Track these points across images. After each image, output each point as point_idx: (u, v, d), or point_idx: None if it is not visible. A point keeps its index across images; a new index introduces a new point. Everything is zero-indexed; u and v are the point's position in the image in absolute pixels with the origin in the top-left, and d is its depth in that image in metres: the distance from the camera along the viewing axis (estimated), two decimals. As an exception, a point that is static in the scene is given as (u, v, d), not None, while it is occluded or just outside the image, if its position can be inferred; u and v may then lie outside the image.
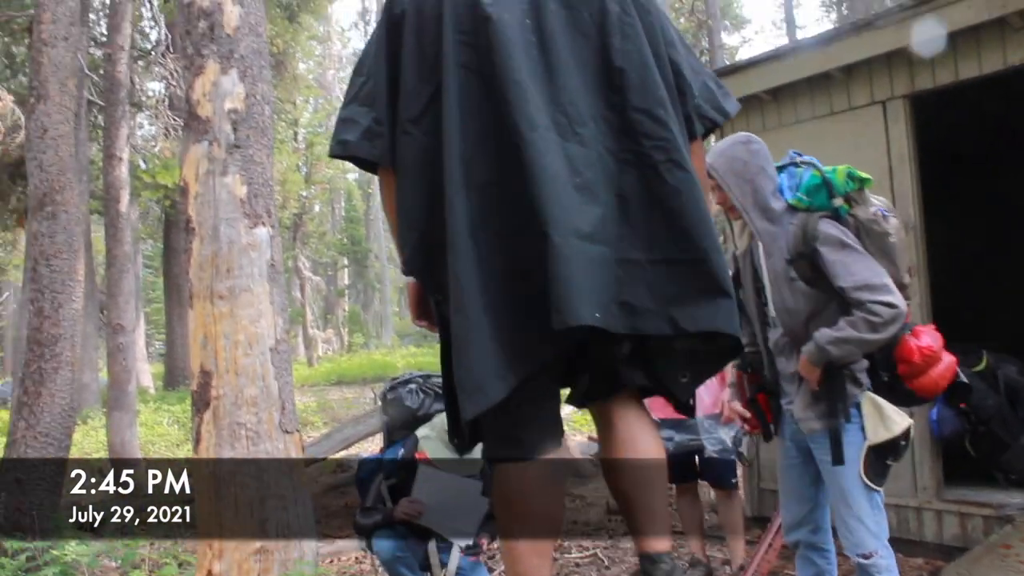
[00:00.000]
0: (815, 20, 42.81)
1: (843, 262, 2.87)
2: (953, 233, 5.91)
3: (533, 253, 1.80)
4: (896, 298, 2.82)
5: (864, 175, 3.07)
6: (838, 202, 3.02)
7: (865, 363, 2.97)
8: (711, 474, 4.65)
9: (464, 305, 1.82)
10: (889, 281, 2.86)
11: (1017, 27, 4.33)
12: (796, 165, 3.14)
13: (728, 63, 16.56)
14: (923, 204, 4.75)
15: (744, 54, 29.63)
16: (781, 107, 5.41)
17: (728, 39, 29.28)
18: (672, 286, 1.92)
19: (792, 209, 3.05)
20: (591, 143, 1.93)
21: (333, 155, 2.10)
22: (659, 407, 4.48)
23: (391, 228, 2.15)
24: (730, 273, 2.08)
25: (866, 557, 2.93)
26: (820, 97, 5.18)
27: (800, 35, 27.61)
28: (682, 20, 22.81)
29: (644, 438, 2.14)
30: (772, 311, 3.09)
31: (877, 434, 2.92)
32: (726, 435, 4.50)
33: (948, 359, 2.97)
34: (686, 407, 2.25)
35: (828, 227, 2.93)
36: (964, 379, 3.08)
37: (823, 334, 2.86)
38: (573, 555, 5.50)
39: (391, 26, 2.03)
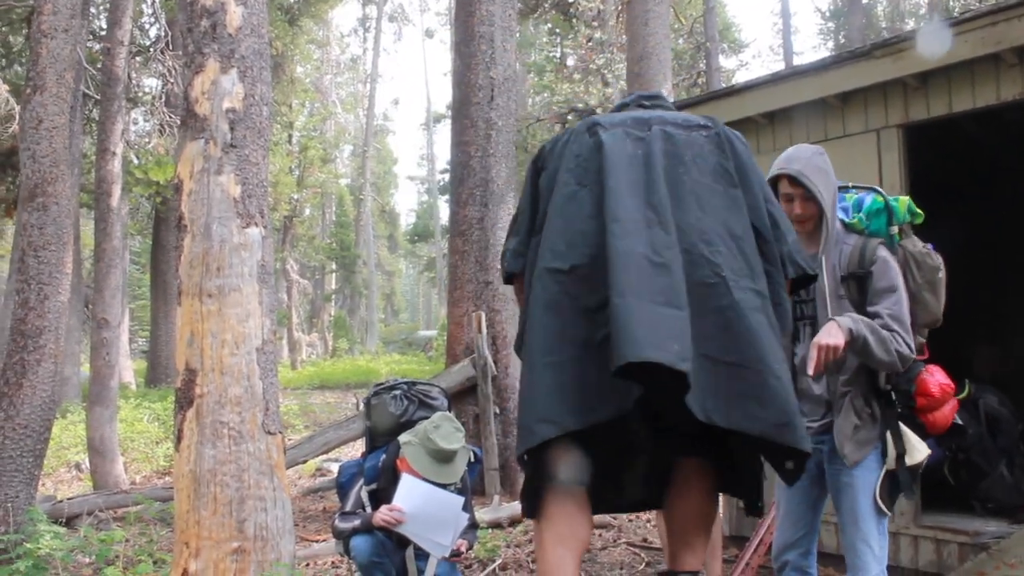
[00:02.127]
0: (812, 47, 43.20)
1: (889, 292, 2.95)
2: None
3: (605, 319, 2.14)
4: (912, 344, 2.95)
5: (919, 211, 3.17)
6: (894, 230, 3.10)
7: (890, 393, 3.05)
8: None
9: (533, 364, 2.29)
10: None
11: (1011, 63, 4.38)
12: (847, 188, 3.20)
13: (725, 85, 16.66)
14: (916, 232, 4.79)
15: (741, 77, 29.80)
16: (776, 131, 5.45)
17: (725, 62, 29.41)
18: (739, 386, 2.19)
19: (847, 228, 3.10)
20: (674, 238, 2.26)
21: (505, 282, 2.73)
22: None
23: None
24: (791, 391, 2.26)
25: None
26: (815, 123, 5.22)
27: (796, 62, 27.80)
28: (680, 41, 22.92)
29: (699, 497, 2.54)
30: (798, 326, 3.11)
31: (906, 460, 3.01)
32: None
33: (954, 399, 3.11)
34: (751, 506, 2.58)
35: (886, 254, 3.01)
36: (960, 421, 3.17)
37: (871, 323, 2.89)
38: (550, 568, 5.49)
39: (535, 172, 2.60)
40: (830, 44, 34.49)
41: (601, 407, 2.18)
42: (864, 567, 2.97)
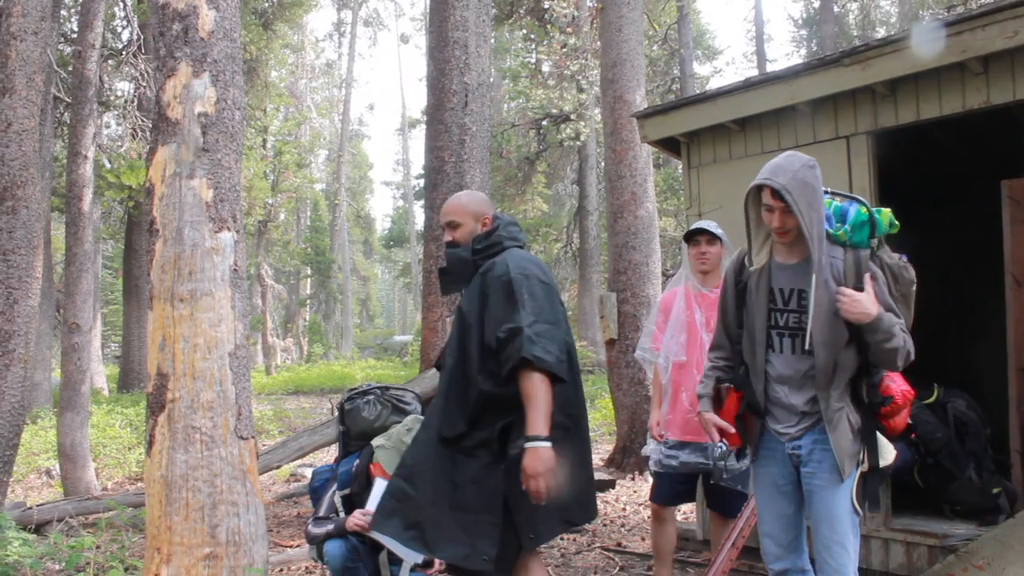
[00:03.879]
0: (785, 55, 43.59)
1: (888, 308, 2.94)
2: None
3: None
4: None
5: (897, 223, 3.18)
6: (875, 243, 3.08)
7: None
8: (719, 499, 4.55)
9: None
10: None
11: (976, 72, 4.45)
12: (828, 195, 3.13)
13: (698, 91, 16.76)
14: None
15: (715, 84, 29.96)
16: (748, 137, 5.50)
17: (699, 68, 29.59)
18: None
19: (830, 240, 3.04)
20: None
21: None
22: (678, 428, 4.46)
23: None
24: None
25: None
26: (786, 129, 5.28)
27: (770, 68, 28.02)
28: (655, 48, 23.05)
29: None
30: (769, 342, 3.11)
31: (879, 462, 3.08)
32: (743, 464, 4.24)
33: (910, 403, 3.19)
34: None
35: (876, 268, 3.02)
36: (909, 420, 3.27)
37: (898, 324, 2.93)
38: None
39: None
40: (803, 51, 34.83)
41: None
42: (841, 568, 2.98)
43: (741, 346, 3.22)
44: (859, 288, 2.92)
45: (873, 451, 3.07)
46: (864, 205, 3.08)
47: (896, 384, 3.11)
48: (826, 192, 3.10)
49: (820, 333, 2.98)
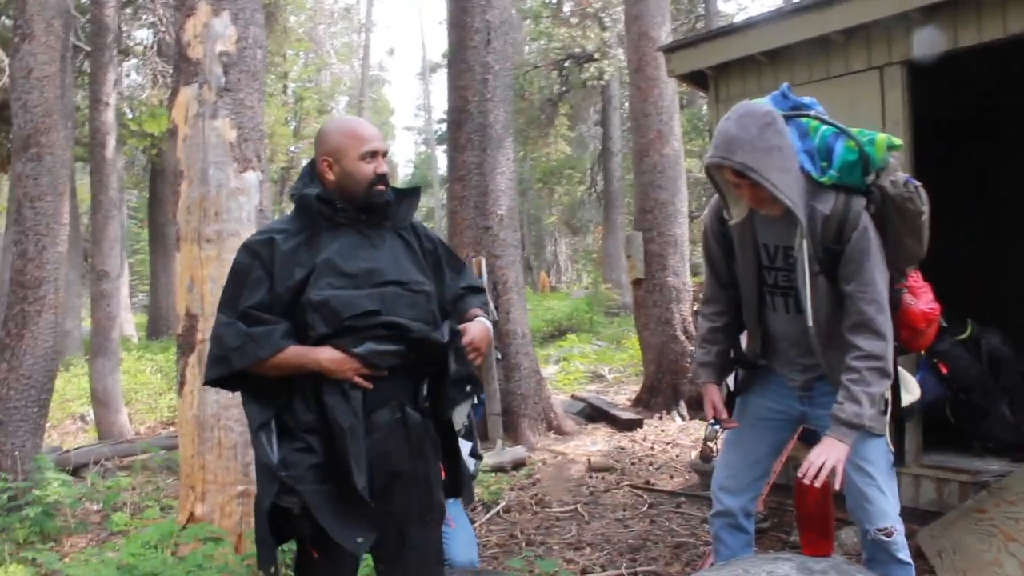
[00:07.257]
0: (812, -11, 42.45)
1: (861, 267, 2.61)
2: (941, 202, 5.89)
3: None
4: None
5: (898, 141, 2.69)
6: (871, 179, 2.63)
7: None
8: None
9: None
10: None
11: (1018, -6, 4.30)
12: (801, 115, 2.72)
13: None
14: (915, 171, 4.74)
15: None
16: (778, 70, 5.36)
17: (724, 6, 29.07)
18: None
19: (817, 185, 2.64)
20: None
21: None
22: None
23: None
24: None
25: (887, 533, 2.72)
26: (818, 61, 5.14)
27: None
28: (678, -15, 22.56)
29: None
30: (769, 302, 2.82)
31: (903, 399, 2.86)
32: None
33: (937, 319, 2.90)
34: None
35: (867, 221, 2.61)
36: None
37: (861, 414, 2.58)
38: (554, 510, 5.54)
39: None
40: (831, -14, 33.97)
41: None
42: (881, 514, 2.74)
43: (736, 293, 2.92)
44: (836, 250, 2.59)
45: (897, 394, 2.82)
46: (851, 139, 2.60)
47: (919, 304, 2.82)
48: (801, 108, 2.72)
49: (812, 296, 2.66)
